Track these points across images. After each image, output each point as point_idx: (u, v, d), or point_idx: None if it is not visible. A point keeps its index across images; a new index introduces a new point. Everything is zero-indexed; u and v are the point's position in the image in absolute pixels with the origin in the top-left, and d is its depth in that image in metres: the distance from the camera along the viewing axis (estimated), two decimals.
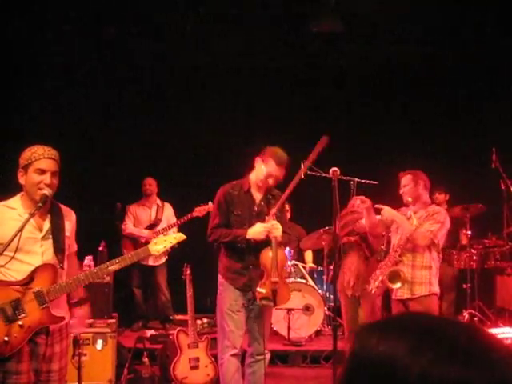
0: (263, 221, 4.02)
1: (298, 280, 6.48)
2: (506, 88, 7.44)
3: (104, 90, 7.56)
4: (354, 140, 7.86)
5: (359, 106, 8.04)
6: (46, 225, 3.03)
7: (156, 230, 6.85)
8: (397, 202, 4.52)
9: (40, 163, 2.93)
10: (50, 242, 3.02)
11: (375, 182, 4.84)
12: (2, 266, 2.89)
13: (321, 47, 7.65)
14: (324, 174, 4.23)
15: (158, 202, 7.10)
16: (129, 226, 6.96)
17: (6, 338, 2.82)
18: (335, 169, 4.03)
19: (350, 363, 0.84)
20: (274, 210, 4.01)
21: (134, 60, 7.62)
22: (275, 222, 3.98)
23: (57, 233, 3.04)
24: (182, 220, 6.57)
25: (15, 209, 2.99)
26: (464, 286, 6.58)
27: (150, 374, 5.08)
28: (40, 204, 2.91)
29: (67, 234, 3.11)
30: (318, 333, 6.50)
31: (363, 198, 4.43)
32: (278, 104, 7.93)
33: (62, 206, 3.16)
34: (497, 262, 6.74)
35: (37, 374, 2.94)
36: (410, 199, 4.31)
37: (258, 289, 3.95)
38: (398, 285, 4.24)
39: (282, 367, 5.88)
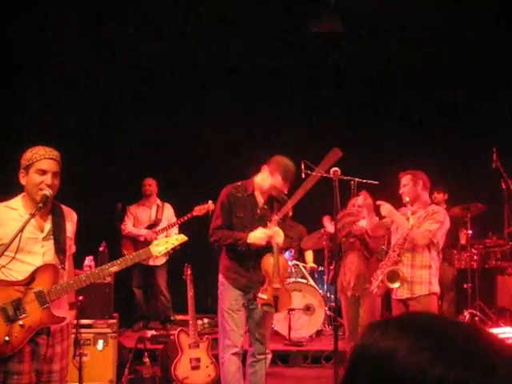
0: (265, 225, 4.02)
1: (299, 280, 6.48)
2: (506, 88, 7.45)
3: (104, 90, 7.56)
4: (354, 140, 7.86)
5: (359, 105, 8.04)
6: (48, 225, 3.03)
7: (156, 229, 6.85)
8: (397, 202, 4.52)
9: (41, 164, 2.93)
10: (51, 243, 3.02)
11: (376, 182, 4.84)
12: (4, 267, 2.89)
13: (321, 47, 7.65)
14: (325, 174, 4.23)
15: (158, 202, 7.09)
16: (128, 226, 6.96)
17: (6, 338, 2.82)
18: (336, 169, 4.03)
19: (352, 360, 0.84)
20: (276, 217, 4.02)
21: (134, 60, 7.62)
22: (277, 228, 3.99)
23: (58, 233, 3.04)
24: (182, 219, 6.57)
25: (16, 209, 2.99)
26: (465, 285, 6.58)
27: (151, 374, 5.09)
28: (41, 204, 2.90)
29: (68, 234, 3.11)
30: (318, 333, 6.50)
31: (366, 194, 4.43)
32: (277, 104, 7.93)
33: (64, 207, 3.16)
34: (497, 261, 6.75)
35: (38, 374, 2.94)
36: (407, 199, 4.31)
37: (260, 295, 3.96)
38: (397, 285, 4.25)
39: (283, 367, 5.88)
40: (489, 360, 0.75)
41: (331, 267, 6.31)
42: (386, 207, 4.31)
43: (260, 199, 4.16)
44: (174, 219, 6.87)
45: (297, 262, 6.90)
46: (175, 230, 6.68)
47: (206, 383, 4.85)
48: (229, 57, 7.67)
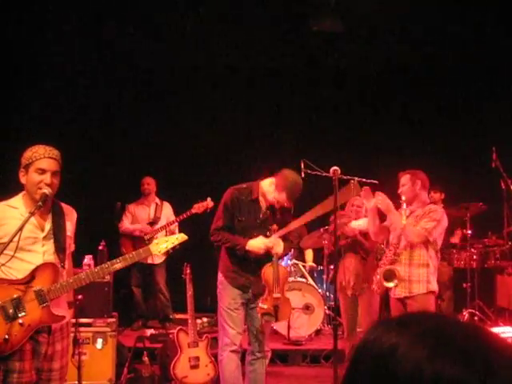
0: (266, 232, 4.04)
1: (298, 279, 6.49)
2: (506, 88, 7.45)
3: (104, 90, 7.56)
4: (354, 140, 7.87)
5: (359, 105, 8.05)
6: (48, 224, 3.03)
7: (155, 228, 6.86)
8: (397, 202, 4.52)
9: (41, 163, 2.93)
10: (51, 242, 3.02)
11: (375, 182, 4.84)
12: (3, 265, 2.90)
13: (321, 47, 7.65)
14: (324, 174, 4.24)
15: (157, 200, 7.10)
16: (124, 223, 6.96)
17: (6, 337, 2.83)
18: (335, 168, 4.04)
19: (354, 357, 0.85)
20: (276, 227, 4.05)
21: (134, 60, 7.62)
22: (277, 239, 4.01)
23: (58, 232, 3.04)
24: (181, 217, 6.57)
25: (17, 208, 2.99)
26: (464, 285, 6.58)
27: (150, 373, 5.08)
28: (40, 203, 2.90)
29: (68, 233, 3.11)
30: (317, 332, 6.50)
31: (368, 190, 4.40)
32: (278, 104, 7.93)
33: (64, 205, 3.16)
34: (497, 261, 6.75)
35: (38, 372, 2.95)
36: (403, 198, 4.32)
37: (260, 304, 4.02)
38: (392, 284, 4.26)
39: (282, 366, 5.89)
40: (489, 359, 0.75)
41: (331, 266, 6.31)
42: (381, 199, 4.29)
43: (263, 204, 4.17)
44: (173, 217, 6.87)
45: (296, 261, 6.90)
46: (176, 228, 6.68)
47: (205, 382, 4.86)
48: (229, 57, 7.67)
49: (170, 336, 5.24)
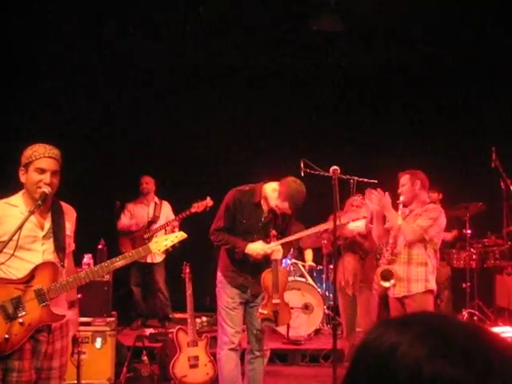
0: (266, 236, 4.05)
1: (298, 279, 6.49)
2: (506, 88, 7.45)
3: (104, 90, 7.57)
4: (354, 140, 7.87)
5: (359, 105, 8.05)
6: (48, 223, 3.03)
7: (154, 227, 6.86)
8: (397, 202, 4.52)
9: (40, 162, 2.92)
10: (51, 241, 3.02)
11: (375, 181, 4.84)
12: (3, 264, 2.90)
13: (321, 47, 7.65)
14: (324, 173, 4.24)
15: (156, 199, 7.10)
16: (121, 221, 6.96)
17: (6, 336, 2.83)
18: (335, 167, 4.04)
19: (354, 356, 0.86)
20: (275, 232, 4.08)
21: (134, 60, 7.63)
22: (277, 246, 4.02)
23: (58, 231, 3.04)
24: (180, 216, 6.57)
25: (17, 206, 2.99)
26: (463, 285, 6.59)
27: (150, 372, 5.09)
28: (39, 202, 2.90)
29: (68, 232, 3.11)
30: (317, 331, 6.51)
31: (370, 192, 4.40)
32: (278, 104, 7.93)
33: (63, 204, 3.16)
34: (496, 261, 6.75)
35: (38, 371, 2.95)
36: (401, 198, 4.32)
37: (260, 310, 4.05)
38: (388, 284, 4.26)
39: (281, 366, 5.89)
40: (489, 359, 0.75)
41: (330, 266, 6.32)
42: (378, 196, 4.28)
43: (265, 207, 4.18)
44: (173, 217, 6.87)
45: (296, 261, 6.90)
46: (176, 226, 6.68)
47: (205, 381, 4.87)
48: (229, 57, 7.67)
49: (170, 335, 5.24)
